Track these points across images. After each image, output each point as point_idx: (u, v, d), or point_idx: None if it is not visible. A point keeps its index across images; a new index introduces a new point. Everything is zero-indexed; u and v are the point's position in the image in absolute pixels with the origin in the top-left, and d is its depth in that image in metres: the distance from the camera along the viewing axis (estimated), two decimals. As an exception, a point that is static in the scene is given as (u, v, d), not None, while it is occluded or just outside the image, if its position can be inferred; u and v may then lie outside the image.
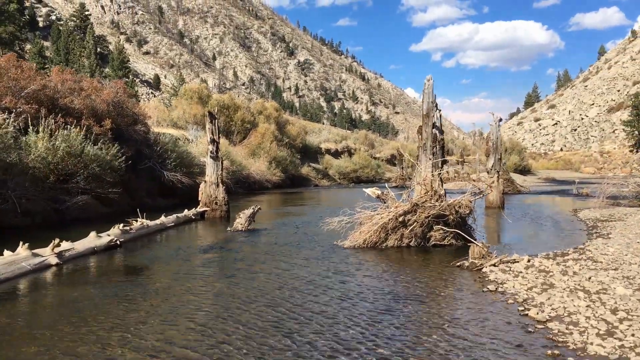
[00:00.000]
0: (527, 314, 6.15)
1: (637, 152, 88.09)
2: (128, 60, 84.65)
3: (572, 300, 6.53)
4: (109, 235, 11.45)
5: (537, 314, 6.09)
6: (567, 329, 5.57)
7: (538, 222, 16.67)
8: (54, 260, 9.29)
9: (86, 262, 9.94)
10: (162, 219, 15.01)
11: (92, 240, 10.86)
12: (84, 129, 17.99)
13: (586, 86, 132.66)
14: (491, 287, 7.49)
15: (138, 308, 6.69)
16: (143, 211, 15.89)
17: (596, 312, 6.02)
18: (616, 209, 19.12)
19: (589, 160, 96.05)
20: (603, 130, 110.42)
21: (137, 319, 6.17)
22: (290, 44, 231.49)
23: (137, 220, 13.77)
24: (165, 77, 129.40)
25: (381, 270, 9.12)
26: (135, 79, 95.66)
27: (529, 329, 5.64)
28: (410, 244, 11.29)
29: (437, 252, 10.83)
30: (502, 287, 7.49)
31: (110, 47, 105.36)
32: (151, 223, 14.04)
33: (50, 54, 77.52)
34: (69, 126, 17.42)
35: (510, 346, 5.18)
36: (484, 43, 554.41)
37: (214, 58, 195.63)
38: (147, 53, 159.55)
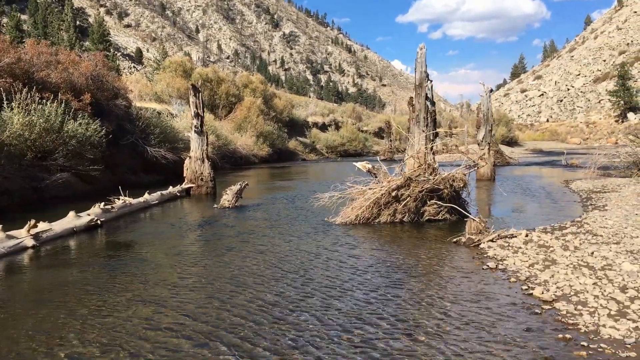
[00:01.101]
0: (531, 294, 5.82)
1: (622, 122, 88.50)
2: (108, 34, 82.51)
3: (578, 277, 6.21)
4: (89, 214, 10.95)
5: (542, 293, 5.76)
6: (575, 309, 5.24)
7: (531, 194, 16.40)
8: (30, 242, 8.81)
9: (65, 243, 9.46)
10: (146, 196, 14.51)
11: (71, 220, 10.36)
12: (62, 103, 17.28)
13: (572, 56, 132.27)
14: (491, 264, 7.16)
15: (120, 293, 6.27)
16: (127, 188, 15.38)
17: (604, 291, 5.71)
18: (608, 179, 18.91)
19: (575, 131, 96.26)
20: (589, 100, 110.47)
21: (120, 305, 5.76)
22: (275, 16, 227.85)
23: (119, 199, 13.28)
24: (147, 50, 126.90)
25: (375, 248, 8.77)
26: (116, 52, 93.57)
27: (536, 310, 5.30)
28: (404, 219, 10.94)
29: (432, 228, 10.49)
30: (502, 264, 7.16)
31: (90, 20, 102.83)
32: (134, 201, 13.54)
33: (28, 27, 75.42)
34: (45, 101, 16.69)
35: (519, 330, 4.84)
36: (471, 14, 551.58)
37: (197, 31, 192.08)
38: (128, 26, 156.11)
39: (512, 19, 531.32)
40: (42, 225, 9.56)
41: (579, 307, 5.30)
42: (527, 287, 6.05)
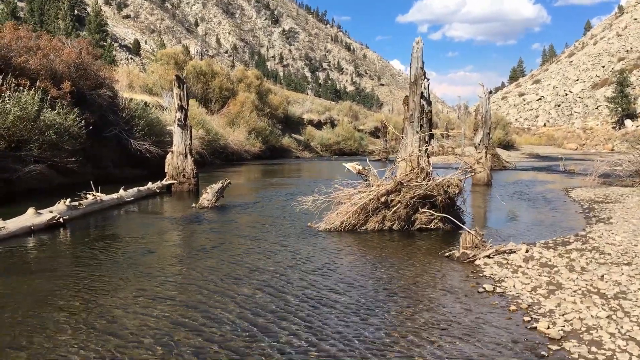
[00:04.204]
0: (535, 327, 4.96)
1: (619, 129, 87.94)
2: (106, 24, 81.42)
3: (588, 308, 5.36)
4: (51, 212, 10.03)
5: (548, 327, 4.90)
6: (589, 352, 4.38)
7: (529, 202, 15.55)
8: (-25, 242, 7.91)
9: (18, 244, 8.54)
10: (121, 192, 13.61)
11: (29, 218, 9.45)
12: (40, 91, 16.34)
13: (571, 62, 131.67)
14: (487, 286, 6.30)
15: (73, 307, 5.40)
16: (109, 183, 14.57)
17: (621, 327, 4.85)
18: (609, 188, 18.09)
19: (571, 136, 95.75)
20: (587, 106, 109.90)
21: (72, 322, 4.89)
22: (275, 12, 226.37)
23: (91, 194, 12.37)
24: (145, 42, 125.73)
25: (358, 260, 7.89)
26: (113, 43, 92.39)
27: (542, 352, 4.42)
28: (393, 227, 10.08)
29: (423, 238, 9.62)
30: (500, 287, 6.30)
31: (88, 9, 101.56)
32: (106, 197, 12.61)
33: (24, 15, 74.20)
34: (20, 87, 15.75)
35: (521, 379, 3.99)
36: (471, 16, 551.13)
37: (197, 24, 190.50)
38: (127, 17, 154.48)
39: (512, 23, 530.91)
40: (-6, 223, 8.67)
41: (593, 348, 4.43)
42: (529, 319, 5.19)
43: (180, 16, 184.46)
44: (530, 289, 6.14)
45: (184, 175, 16.47)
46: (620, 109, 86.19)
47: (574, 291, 5.95)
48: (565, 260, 7.36)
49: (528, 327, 4.99)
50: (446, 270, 7.23)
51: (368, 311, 5.47)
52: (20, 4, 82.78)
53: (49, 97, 16.70)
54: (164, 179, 16.43)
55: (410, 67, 10.96)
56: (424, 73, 11.18)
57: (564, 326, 4.95)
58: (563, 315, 5.23)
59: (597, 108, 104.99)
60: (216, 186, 13.43)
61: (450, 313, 5.45)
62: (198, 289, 6.15)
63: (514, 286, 6.27)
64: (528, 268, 7.03)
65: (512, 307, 5.56)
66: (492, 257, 7.63)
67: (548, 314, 5.31)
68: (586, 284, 6.19)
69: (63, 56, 19.12)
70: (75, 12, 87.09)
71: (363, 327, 5.02)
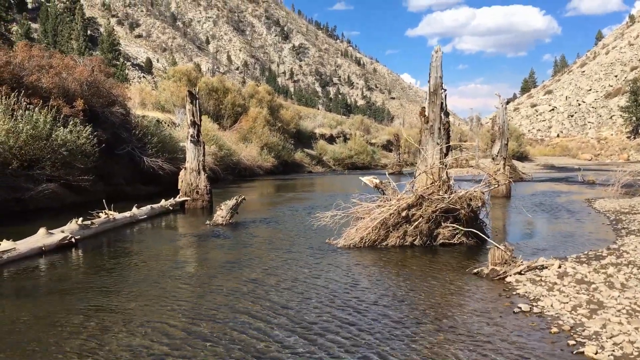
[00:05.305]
0: (582, 352, 4.55)
1: (634, 138, 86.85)
2: (118, 43, 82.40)
3: (637, 329, 4.94)
4: (62, 231, 9.77)
5: (597, 353, 4.50)
6: (647, 380, 3.98)
7: (553, 213, 15.08)
8: (-16, 264, 7.65)
9: (28, 266, 8.27)
10: (134, 210, 13.34)
11: (40, 238, 9.19)
12: (53, 110, 16.24)
13: (583, 72, 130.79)
14: (523, 305, 5.89)
15: (82, 331, 5.09)
16: (122, 200, 14.37)
17: (677, 351, 4.44)
18: (634, 199, 17.56)
19: (586, 147, 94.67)
20: (600, 116, 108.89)
21: (82, 348, 4.59)
22: (285, 28, 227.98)
23: (103, 213, 12.12)
24: (157, 60, 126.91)
25: (380, 279, 7.51)
26: (126, 62, 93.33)
27: (594, 381, 4.03)
28: (415, 242, 9.68)
29: (447, 253, 9.22)
30: (537, 306, 5.89)
31: (101, 29, 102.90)
32: (119, 216, 12.35)
33: (38, 35, 75.21)
34: (32, 106, 15.65)
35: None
36: (481, 28, 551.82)
37: (208, 42, 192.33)
38: (139, 36, 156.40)
39: (522, 34, 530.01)
40: (5, 244, 8.43)
41: (651, 376, 4.03)
42: (574, 342, 4.77)
43: (191, 34, 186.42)
44: (570, 308, 5.73)
45: (197, 192, 16.21)
46: (634, 118, 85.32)
47: (618, 310, 5.54)
48: (602, 276, 6.94)
49: (574, 352, 4.58)
50: (476, 289, 6.82)
51: (393, 336, 5.08)
52: (34, 26, 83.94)
53: (61, 116, 16.59)
54: (177, 196, 16.18)
55: (430, 77, 10.64)
56: (442, 83, 10.86)
57: (613, 350, 4.54)
58: (611, 337, 4.82)
59: (611, 118, 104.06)
60: (230, 202, 13.13)
61: (485, 336, 5.05)
62: (214, 312, 5.81)
63: (552, 305, 5.86)
64: (564, 285, 6.61)
65: (554, 329, 5.15)
66: (523, 274, 7.22)
67: (594, 336, 4.90)
68: (629, 302, 5.77)
69: (75, 74, 19.08)
70: (88, 32, 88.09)
71: (390, 352, 4.64)
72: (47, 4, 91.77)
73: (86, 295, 6.57)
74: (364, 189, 12.16)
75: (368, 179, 11.78)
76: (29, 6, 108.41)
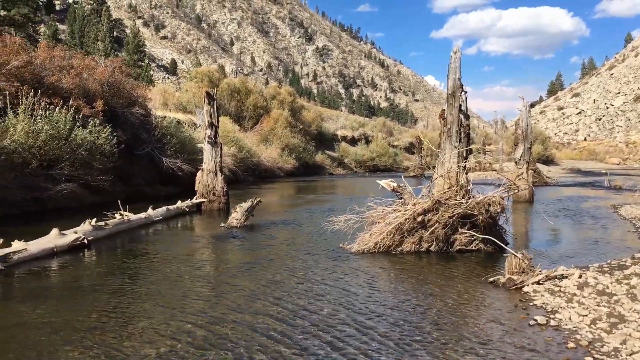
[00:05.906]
0: (600, 371, 4.29)
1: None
2: (144, 44, 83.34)
3: (661, 347, 4.65)
4: (75, 232, 9.74)
5: (617, 371, 4.23)
6: (670, 404, 3.70)
7: (576, 220, 14.63)
8: (-6, 265, 7.63)
9: (39, 267, 8.23)
10: (149, 212, 13.31)
11: (52, 239, 9.16)
12: (72, 110, 16.35)
13: (612, 74, 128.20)
14: (540, 318, 5.62)
15: (93, 335, 4.98)
16: (140, 200, 14.36)
17: None
18: (662, 205, 16.99)
19: (614, 151, 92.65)
20: (629, 119, 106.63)
21: (92, 351, 4.49)
22: (309, 30, 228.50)
23: (118, 213, 12.10)
24: (182, 62, 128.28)
25: (394, 286, 7.29)
26: (151, 63, 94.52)
27: (612, 403, 3.77)
28: (431, 248, 9.43)
29: (463, 260, 8.95)
30: (554, 319, 5.61)
31: (127, 31, 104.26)
32: (133, 217, 12.32)
33: (65, 37, 76.48)
34: (52, 106, 15.77)
35: None
36: (507, 30, 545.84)
37: (232, 43, 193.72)
38: (164, 38, 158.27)
39: (550, 36, 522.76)
40: (16, 245, 8.40)
41: (674, 400, 3.75)
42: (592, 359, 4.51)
43: (216, 36, 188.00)
44: (589, 321, 5.44)
45: (214, 194, 16.15)
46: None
47: (640, 325, 5.24)
48: (625, 288, 6.61)
49: (592, 371, 4.32)
50: (491, 299, 6.56)
51: (405, 346, 4.86)
52: (61, 27, 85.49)
53: (81, 116, 16.69)
54: (194, 197, 16.14)
55: (448, 79, 10.38)
56: (461, 85, 10.59)
57: (634, 370, 4.26)
58: (631, 355, 4.53)
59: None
60: (245, 205, 13.02)
61: (499, 351, 4.79)
62: (235, 313, 5.66)
63: (569, 318, 5.58)
64: (584, 297, 6.31)
65: (570, 344, 4.87)
66: (542, 284, 6.92)
67: (613, 353, 4.62)
68: (654, 317, 5.46)
69: (96, 75, 19.20)
70: (115, 33, 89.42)
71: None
72: (75, 5, 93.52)
73: (100, 296, 6.51)
74: (381, 192, 11.93)
75: (385, 182, 11.53)
76: (57, 7, 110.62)
